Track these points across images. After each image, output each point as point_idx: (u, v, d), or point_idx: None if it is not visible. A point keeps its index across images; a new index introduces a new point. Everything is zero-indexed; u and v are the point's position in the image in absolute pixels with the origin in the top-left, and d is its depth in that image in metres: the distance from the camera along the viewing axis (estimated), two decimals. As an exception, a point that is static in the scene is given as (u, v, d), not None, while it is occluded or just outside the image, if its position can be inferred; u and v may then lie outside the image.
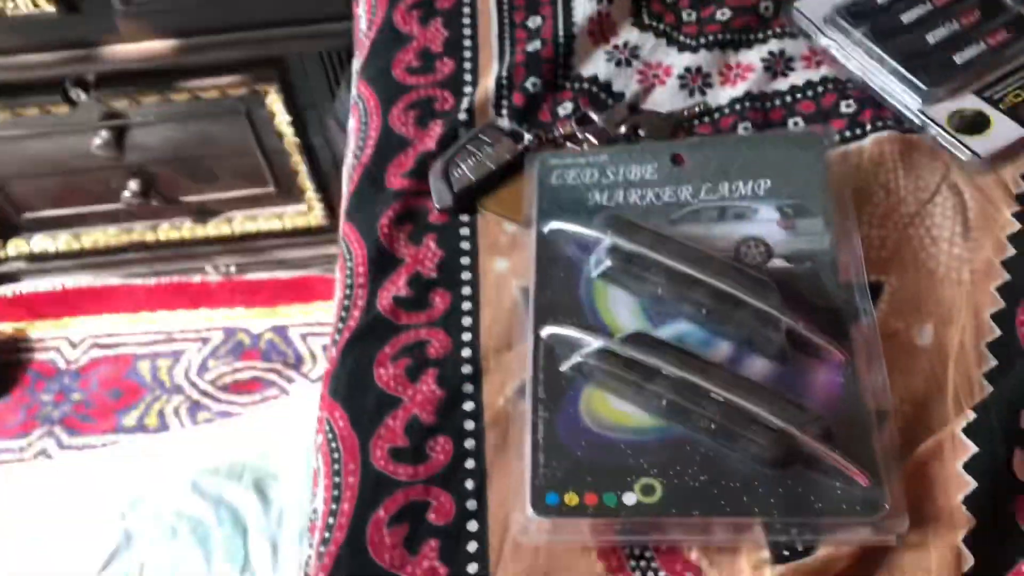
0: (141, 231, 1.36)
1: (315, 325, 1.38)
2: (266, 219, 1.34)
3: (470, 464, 0.52)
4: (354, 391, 0.55)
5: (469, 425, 0.53)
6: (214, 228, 1.35)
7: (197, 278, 1.44)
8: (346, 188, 0.66)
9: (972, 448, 0.48)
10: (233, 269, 1.42)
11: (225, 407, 1.33)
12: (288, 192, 1.31)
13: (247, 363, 1.36)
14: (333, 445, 0.54)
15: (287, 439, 1.26)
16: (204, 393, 1.34)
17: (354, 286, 0.59)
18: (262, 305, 1.40)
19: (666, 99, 0.65)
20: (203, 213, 1.35)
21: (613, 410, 0.50)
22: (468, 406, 0.54)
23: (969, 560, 0.45)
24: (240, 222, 1.35)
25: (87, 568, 1.19)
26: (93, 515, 1.23)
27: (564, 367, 0.51)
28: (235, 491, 1.23)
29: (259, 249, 1.39)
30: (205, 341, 1.39)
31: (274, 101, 1.16)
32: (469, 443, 0.53)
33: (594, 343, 0.51)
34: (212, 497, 1.22)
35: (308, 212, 1.33)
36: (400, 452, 0.53)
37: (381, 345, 0.57)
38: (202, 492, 1.22)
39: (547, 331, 0.53)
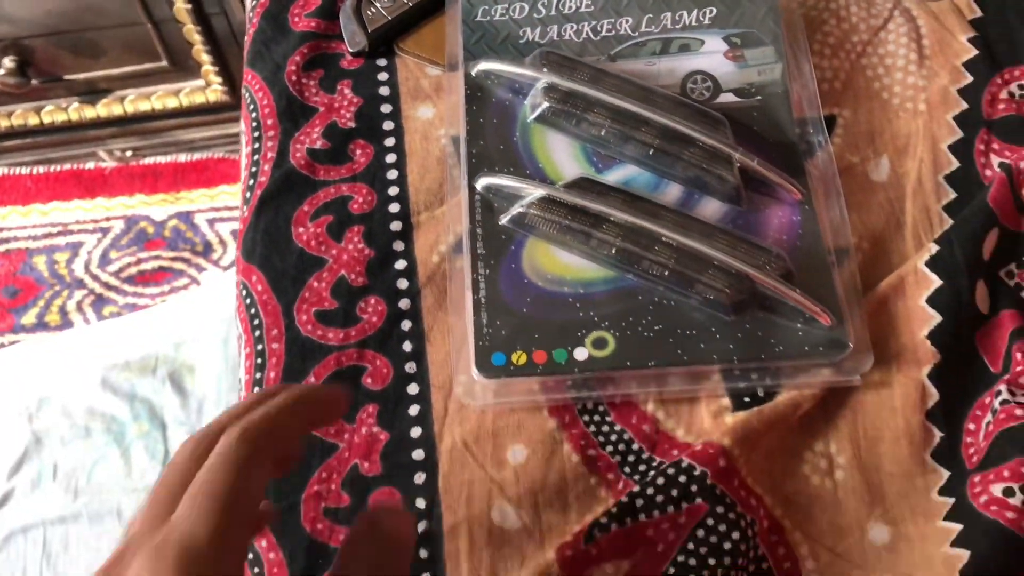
0: (23, 114, 1.25)
1: (222, 210, 1.30)
2: (160, 97, 1.24)
3: (406, 325, 0.48)
4: (271, 252, 0.50)
5: (402, 284, 0.49)
6: (104, 108, 1.24)
7: (91, 164, 1.33)
8: (247, 33, 0.59)
9: (936, 281, 0.46)
10: (129, 153, 1.32)
11: (132, 300, 1.25)
12: (183, 67, 1.21)
13: (152, 252, 1.27)
14: (252, 311, 0.49)
15: (201, 329, 1.20)
16: (108, 286, 1.26)
17: (263, 138, 0.54)
18: (164, 191, 1.31)
19: (598, -73, 0.60)
20: (91, 92, 1.24)
21: (559, 263, 0.46)
22: (400, 264, 0.49)
23: (934, 395, 0.44)
24: (132, 101, 1.24)
25: (-5, 474, 1.12)
26: (-3, 419, 1.16)
27: (503, 220, 0.47)
28: (149, 385, 1.16)
29: (156, 130, 1.28)
30: (105, 231, 1.30)
31: (160, -39, 1.06)
32: (404, 303, 0.48)
33: (534, 192, 0.47)
34: (125, 393, 1.16)
35: (206, 88, 1.24)
36: (328, 315, 0.48)
37: (298, 202, 0.52)
38: (114, 388, 1.16)
39: (482, 182, 0.48)
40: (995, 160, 0.50)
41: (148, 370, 1.17)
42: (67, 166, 1.33)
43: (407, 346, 0.47)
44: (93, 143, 1.30)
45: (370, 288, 0.49)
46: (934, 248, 0.46)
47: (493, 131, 0.50)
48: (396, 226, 0.50)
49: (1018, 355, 0.44)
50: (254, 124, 0.54)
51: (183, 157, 1.33)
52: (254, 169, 0.53)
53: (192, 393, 1.16)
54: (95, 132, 1.28)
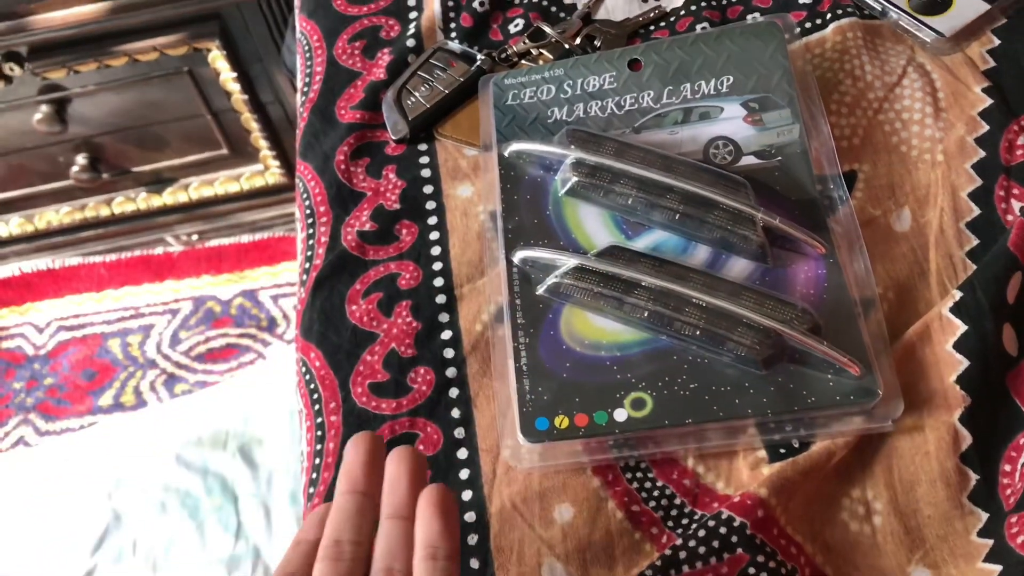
0: (95, 206, 1.32)
1: (284, 286, 1.36)
2: (222, 183, 1.31)
3: (454, 393, 0.50)
4: (327, 329, 0.54)
5: (449, 353, 0.52)
6: (170, 196, 1.32)
7: (159, 250, 1.40)
8: (299, 127, 0.63)
9: (961, 326, 0.47)
10: (195, 237, 1.39)
11: (202, 377, 1.31)
12: (242, 153, 1.28)
13: (219, 331, 1.33)
14: (312, 386, 0.52)
15: (268, 402, 1.24)
16: (179, 365, 1.32)
17: (316, 224, 0.57)
18: (228, 271, 1.37)
19: (620, 6, 0.63)
20: (157, 182, 1.31)
21: (594, 328, 0.49)
22: (446, 335, 0.52)
23: (967, 438, 0.45)
24: (196, 188, 1.31)
25: (79, 552, 1.17)
26: (79, 498, 1.21)
27: (540, 290, 0.50)
28: (221, 459, 1.21)
29: (219, 214, 1.35)
30: (174, 313, 1.36)
31: (216, 58, 1.12)
32: (451, 371, 0.51)
33: (568, 262, 0.49)
34: (198, 468, 1.21)
35: (265, 171, 1.30)
36: (381, 386, 0.51)
37: (351, 281, 0.55)
38: (187, 464, 1.21)
39: (519, 255, 0.51)
40: (1016, 205, 0.51)
41: (219, 444, 1.22)
42: (137, 252, 1.40)
43: (455, 412, 0.50)
44: (161, 229, 1.37)
45: (419, 359, 0.52)
46: (958, 294, 0.48)
47: (527, 207, 0.53)
48: (441, 299, 0.53)
49: (1048, 395, 0.45)
50: (308, 211, 0.58)
51: (246, 238, 1.39)
52: (309, 253, 0.57)
53: (262, 465, 1.20)
54: (162, 219, 1.35)
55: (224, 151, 1.27)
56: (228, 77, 1.15)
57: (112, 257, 1.40)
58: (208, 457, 1.21)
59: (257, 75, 1.17)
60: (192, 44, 1.11)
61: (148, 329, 1.35)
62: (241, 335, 1.32)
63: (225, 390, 1.27)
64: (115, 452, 1.24)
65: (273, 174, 1.30)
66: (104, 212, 1.33)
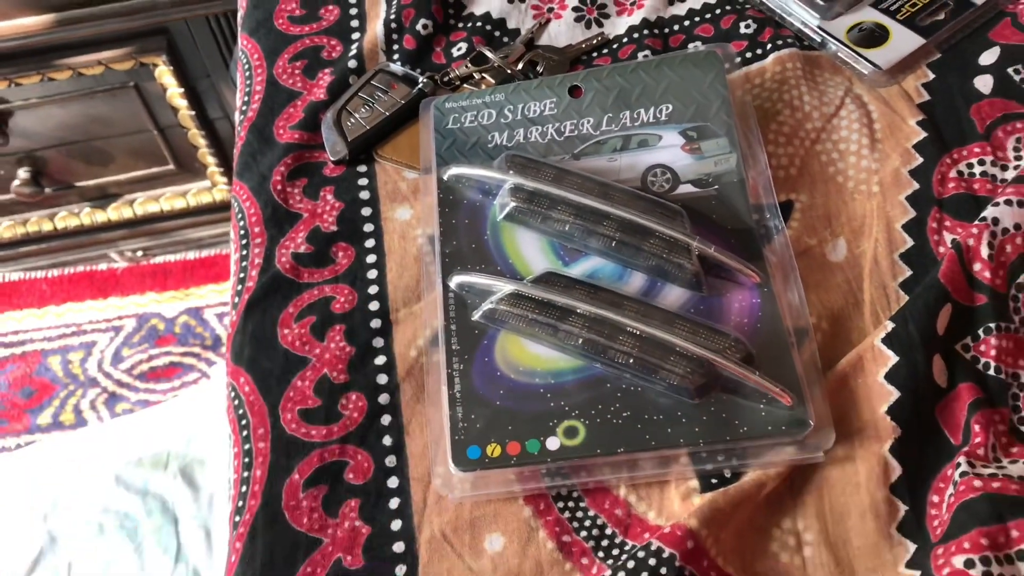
0: (37, 221, 1.30)
1: (230, 304, 1.33)
2: (168, 198, 1.29)
3: (386, 420, 0.50)
4: (258, 354, 0.53)
5: (382, 379, 0.51)
6: (115, 212, 1.29)
7: (103, 265, 1.38)
8: (236, 146, 0.62)
9: (892, 357, 0.47)
10: (140, 253, 1.37)
11: (144, 396, 1.28)
12: (189, 168, 1.26)
13: (163, 349, 1.31)
14: (240, 412, 0.51)
15: (211, 422, 1.22)
16: (120, 383, 1.29)
17: (250, 245, 0.56)
18: (174, 288, 1.35)
19: (563, 32, 0.63)
20: (101, 197, 1.29)
21: (529, 354, 0.48)
22: (380, 360, 0.51)
23: (897, 469, 0.45)
24: (142, 203, 1.29)
25: (11, 574, 1.14)
26: (13, 520, 1.18)
27: (476, 316, 0.49)
28: (161, 480, 1.18)
29: (164, 230, 1.33)
30: (117, 330, 1.33)
31: (163, 73, 1.11)
32: (383, 398, 0.50)
33: (504, 288, 0.49)
34: (138, 489, 1.18)
35: (212, 188, 1.28)
36: (311, 413, 0.50)
37: (284, 304, 0.54)
38: (127, 485, 1.18)
39: (455, 280, 0.50)
40: (948, 236, 0.52)
41: (160, 465, 1.19)
42: (80, 268, 1.38)
43: (387, 440, 0.49)
44: (105, 245, 1.34)
45: (351, 384, 0.51)
46: (890, 325, 0.48)
47: (465, 231, 0.53)
48: (376, 323, 0.53)
49: (976, 427, 0.45)
50: (242, 232, 0.57)
51: (192, 255, 1.37)
52: (242, 275, 0.56)
53: (203, 487, 1.18)
54: (106, 235, 1.32)
55: (171, 167, 1.25)
56: (175, 92, 1.13)
57: (54, 273, 1.37)
58: (148, 478, 1.19)
59: (205, 91, 1.16)
60: (138, 59, 1.09)
61: (90, 346, 1.33)
62: (185, 354, 1.30)
63: (167, 409, 1.25)
64: (52, 472, 1.21)
65: (220, 191, 1.29)
66: (46, 227, 1.30)
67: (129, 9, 1.05)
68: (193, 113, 1.16)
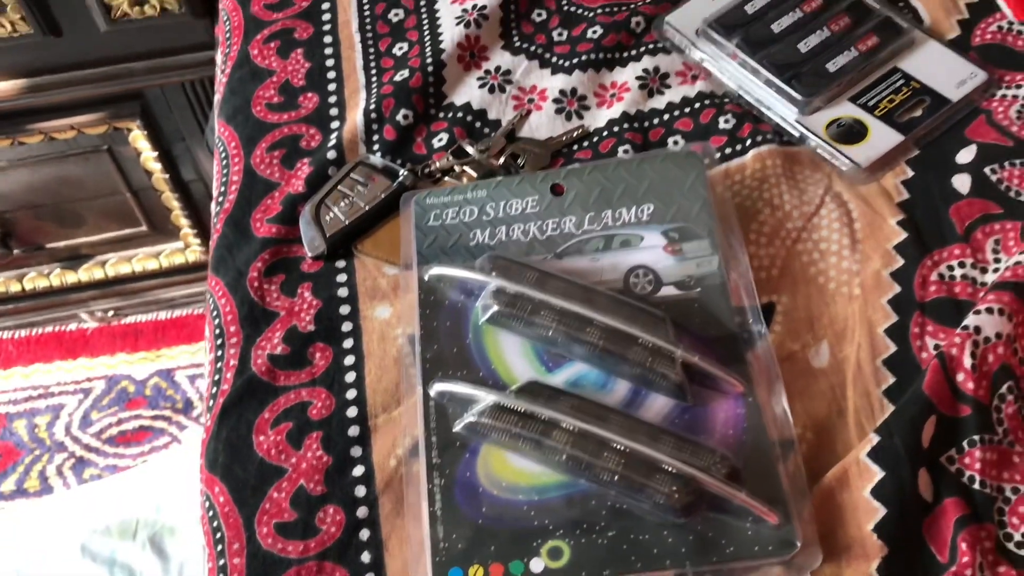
0: (5, 282, 1.27)
1: (203, 366, 1.31)
2: (141, 259, 1.27)
3: (364, 535, 0.48)
4: (233, 462, 0.51)
5: (360, 491, 0.50)
6: (85, 273, 1.27)
7: (73, 326, 1.35)
8: (212, 239, 0.61)
9: (878, 472, 0.47)
10: (111, 313, 1.34)
11: (113, 461, 1.26)
12: (162, 230, 1.25)
13: (133, 412, 1.28)
14: (215, 524, 0.50)
15: (181, 489, 1.19)
16: (89, 448, 1.26)
17: (225, 345, 0.55)
18: (145, 349, 1.33)
19: (544, 124, 0.63)
20: (72, 258, 1.27)
21: (513, 469, 0.47)
22: (358, 471, 0.50)
23: (884, 590, 0.44)
24: (114, 264, 1.27)
25: (-28, 650, 1.10)
26: (-26, 592, 1.14)
27: (457, 427, 0.48)
28: (129, 550, 1.16)
29: (136, 291, 1.31)
30: (86, 392, 1.31)
31: (137, 138, 1.10)
32: (362, 511, 0.49)
33: (486, 398, 0.48)
34: (105, 559, 1.15)
35: (185, 249, 1.27)
36: (287, 527, 0.49)
37: (260, 409, 0.53)
38: (93, 555, 1.15)
39: (436, 388, 0.50)
40: (930, 342, 0.52)
41: (128, 534, 1.17)
42: (48, 328, 1.35)
43: (365, 557, 0.48)
44: (75, 305, 1.33)
45: (329, 496, 0.50)
46: (875, 438, 0.48)
47: (447, 333, 0.52)
48: (354, 431, 0.52)
49: (963, 545, 0.44)
50: (217, 331, 0.56)
51: (164, 315, 1.35)
52: (217, 377, 0.55)
53: (173, 556, 1.15)
54: (76, 295, 1.30)
55: (143, 228, 1.24)
56: (149, 156, 1.12)
57: (22, 333, 1.35)
58: (116, 547, 1.16)
59: (180, 154, 1.15)
60: (112, 123, 1.08)
61: (58, 409, 1.30)
62: (155, 417, 1.28)
63: (136, 475, 1.23)
64: (15, 542, 1.18)
65: (194, 251, 1.27)
66: (14, 288, 1.28)
67: (103, 76, 1.04)
68: (167, 176, 1.15)
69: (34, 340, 1.34)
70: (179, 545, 1.16)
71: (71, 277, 1.28)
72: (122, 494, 1.21)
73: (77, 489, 1.23)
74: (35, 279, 1.28)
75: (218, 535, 0.49)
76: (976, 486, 0.47)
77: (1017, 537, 0.46)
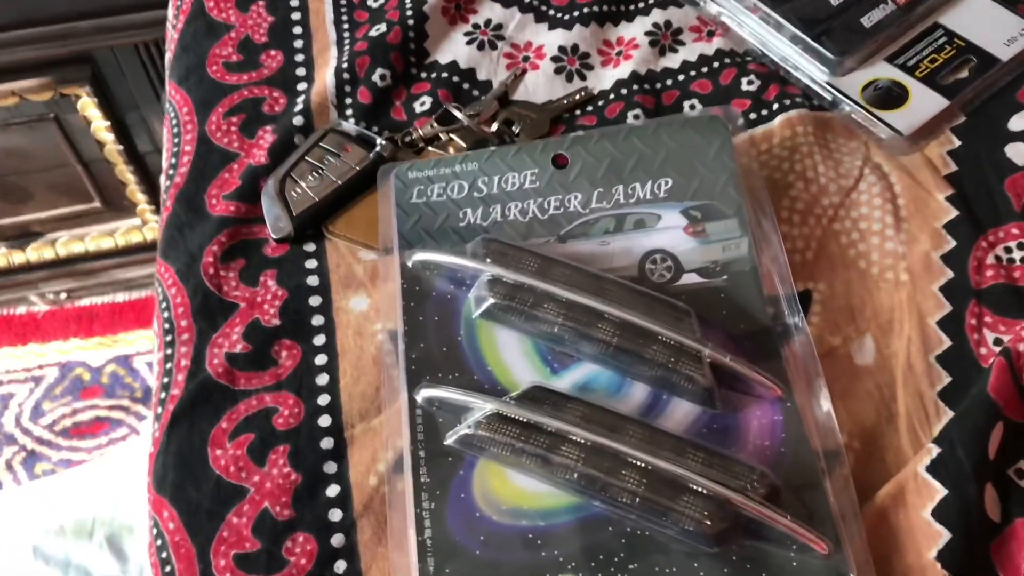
0: (-55, 262, 1.19)
1: (152, 415, 1.23)
2: (95, 238, 1.19)
3: (340, 567, 0.41)
4: (185, 480, 0.44)
5: (335, 515, 0.43)
6: (35, 252, 1.19)
7: (22, 309, 1.27)
8: (161, 217, 0.54)
9: (940, 490, 0.40)
10: (63, 296, 1.26)
11: (67, 454, 1.17)
12: (117, 206, 1.16)
13: (88, 402, 1.20)
14: (164, 555, 0.43)
15: (141, 485, 1.12)
16: (41, 441, 1.18)
17: (175, 342, 0.48)
18: (100, 334, 1.24)
19: (541, 86, 0.56)
20: (20, 236, 1.18)
21: (514, 488, 0.40)
22: (332, 491, 0.43)
23: (951, 627, 0.38)
24: (65, 243, 1.19)
25: (-85, 660, 1.03)
26: (-84, 597, 1.07)
27: (449, 440, 0.41)
28: (85, 550, 1.08)
29: (90, 271, 1.23)
30: (37, 381, 1.22)
31: (87, 105, 1.01)
32: (337, 539, 0.42)
33: (483, 406, 0.41)
34: (59, 561, 1.07)
35: (143, 226, 1.19)
36: (249, 558, 0.42)
37: (216, 418, 0.46)
38: (46, 557, 1.07)
39: (424, 394, 0.42)
40: (989, 335, 0.45)
41: (84, 534, 1.09)
42: (-4, 312, 1.27)
43: (342, 594, 0.41)
44: (24, 287, 1.24)
45: (298, 522, 0.42)
46: (935, 450, 0.41)
47: (435, 330, 0.45)
48: (327, 443, 0.44)
49: (1040, 574, 0.38)
50: (166, 326, 0.49)
51: (121, 297, 1.27)
52: (166, 380, 0.47)
53: (132, 557, 1.08)
54: (25, 276, 1.22)
55: (96, 204, 1.16)
56: (100, 125, 1.04)
57: (-33, 317, 1.26)
58: (71, 548, 1.08)
59: (134, 123, 1.07)
60: (59, 89, 0.99)
61: (6, 399, 1.21)
62: (112, 407, 1.20)
63: (93, 470, 1.15)
64: (-38, 542, 1.10)
65: (152, 229, 1.19)
66: (-43, 268, 1.19)
67: (47, 35, 0.95)
68: (121, 147, 1.06)
69: (-20, 324, 1.26)
70: (139, 545, 1.09)
71: (19, 257, 1.19)
72: (77, 490, 1.13)
73: (28, 485, 1.15)
74: (-21, 259, 1.19)
75: (167, 569, 0.42)
76: (1051, 504, 0.40)
77: (1100, 563, 0.39)
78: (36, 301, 1.26)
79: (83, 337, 1.25)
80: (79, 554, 1.08)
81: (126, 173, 1.10)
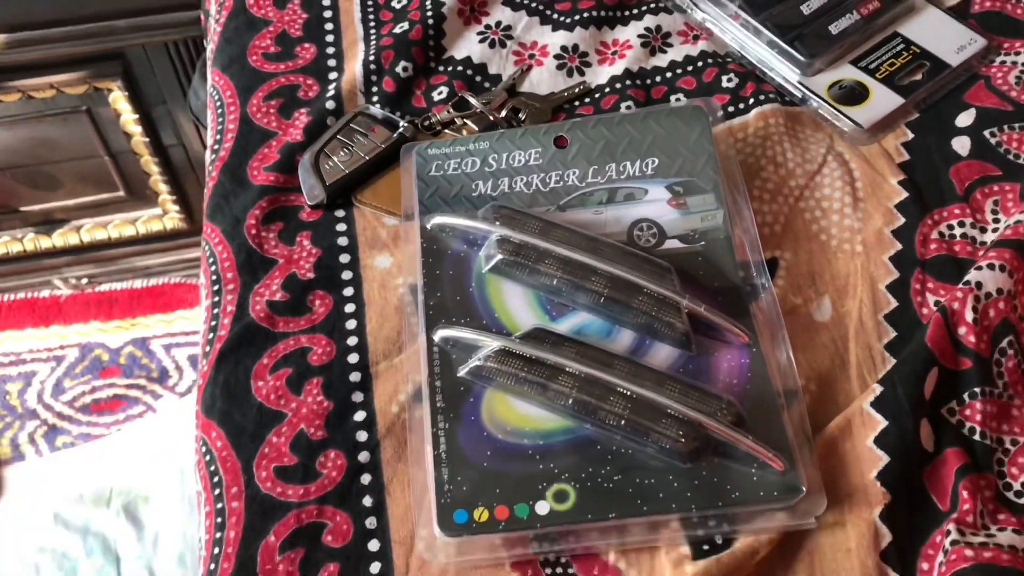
0: (-24, 245, 1.25)
1: (178, 335, 1.29)
2: (117, 225, 1.25)
3: (366, 479, 0.48)
4: (231, 407, 0.50)
5: (362, 436, 0.49)
6: (60, 238, 1.25)
7: (46, 292, 1.33)
8: (207, 187, 0.60)
9: (881, 422, 0.47)
10: (85, 281, 1.32)
11: (86, 429, 1.23)
12: (140, 196, 1.23)
13: (107, 380, 1.26)
14: (212, 468, 0.49)
15: (156, 458, 1.18)
16: (61, 416, 1.24)
17: (222, 291, 0.54)
18: (119, 317, 1.31)
19: (545, 80, 0.63)
20: (47, 223, 1.25)
21: (517, 414, 0.47)
22: (359, 416, 0.50)
23: (887, 536, 0.45)
24: (89, 230, 1.25)
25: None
26: (-58, 560, 1.12)
27: (461, 372, 0.48)
28: (103, 518, 1.14)
29: (112, 258, 1.29)
30: (59, 360, 1.29)
31: (118, 99, 1.08)
32: (363, 456, 0.49)
33: (491, 344, 0.48)
34: (78, 527, 1.13)
35: (164, 216, 1.25)
36: (287, 471, 0.48)
37: (258, 355, 0.52)
38: (66, 523, 1.13)
39: (440, 334, 0.49)
40: (931, 298, 0.52)
41: (102, 502, 1.15)
42: (21, 295, 1.33)
43: (367, 500, 0.47)
44: (48, 272, 1.30)
45: (329, 441, 0.49)
46: (878, 389, 0.48)
47: (450, 282, 0.51)
48: (355, 377, 0.51)
49: (964, 493, 0.45)
50: (214, 277, 0.55)
51: (139, 283, 1.33)
52: (213, 323, 0.54)
53: (147, 524, 1.14)
54: (50, 261, 1.28)
55: (121, 193, 1.22)
56: (129, 119, 1.10)
57: (-7, 299, 1.32)
58: (90, 515, 1.14)
59: (160, 117, 1.13)
60: (92, 83, 1.06)
61: (29, 377, 1.27)
62: (130, 386, 1.26)
63: (110, 444, 1.21)
64: (-14, 510, 1.16)
65: (172, 219, 1.25)
66: (-14, 251, 1.25)
67: (84, 33, 1.02)
68: (147, 140, 1.13)
69: (5, 306, 1.32)
70: (154, 513, 1.14)
71: (45, 242, 1.25)
72: (96, 462, 1.19)
73: (49, 457, 1.21)
74: (7, 243, 1.25)
75: (215, 479, 0.48)
76: (976, 437, 0.47)
77: (1016, 487, 0.46)
78: (59, 285, 1.32)
79: (103, 320, 1.31)
80: (97, 521, 1.13)
81: (151, 164, 1.17)
